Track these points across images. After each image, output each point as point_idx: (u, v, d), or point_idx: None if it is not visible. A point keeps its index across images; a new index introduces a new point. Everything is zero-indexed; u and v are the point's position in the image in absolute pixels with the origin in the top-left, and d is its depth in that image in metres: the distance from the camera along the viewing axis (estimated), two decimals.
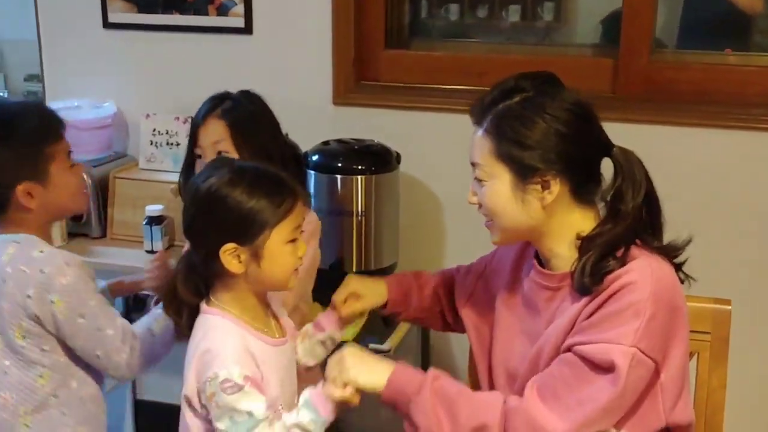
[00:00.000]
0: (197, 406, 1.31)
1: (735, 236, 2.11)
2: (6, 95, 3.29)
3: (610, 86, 2.15)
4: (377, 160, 2.07)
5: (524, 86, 1.29)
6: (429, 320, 1.66)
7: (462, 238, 2.30)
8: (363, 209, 2.04)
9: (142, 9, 2.43)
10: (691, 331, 1.41)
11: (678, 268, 1.32)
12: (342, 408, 1.30)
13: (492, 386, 1.43)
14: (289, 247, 1.32)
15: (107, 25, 2.48)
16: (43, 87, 2.63)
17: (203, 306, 1.35)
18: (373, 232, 2.06)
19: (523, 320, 1.39)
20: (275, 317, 1.43)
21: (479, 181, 1.32)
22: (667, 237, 1.37)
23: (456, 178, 2.26)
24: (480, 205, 1.35)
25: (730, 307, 1.44)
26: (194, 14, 2.38)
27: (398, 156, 2.12)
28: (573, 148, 1.26)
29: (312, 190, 2.06)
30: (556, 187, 1.26)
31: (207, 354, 1.29)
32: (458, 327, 1.63)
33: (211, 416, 1.28)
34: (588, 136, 1.29)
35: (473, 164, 1.33)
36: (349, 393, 1.28)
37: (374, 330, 2.04)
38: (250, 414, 1.24)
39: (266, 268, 1.30)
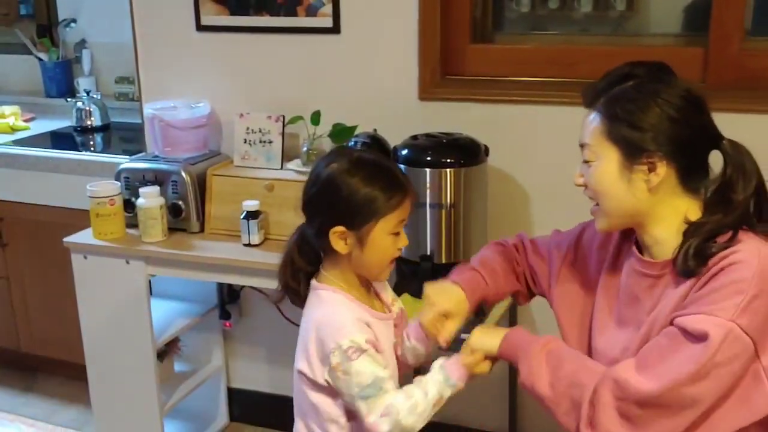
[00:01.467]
0: (320, 379, 1.39)
1: None
2: (99, 97, 3.44)
3: (700, 75, 2.13)
4: (466, 153, 2.11)
5: (638, 73, 1.34)
6: (513, 297, 1.75)
7: (550, 230, 2.31)
8: (452, 202, 2.08)
9: (234, 11, 2.51)
10: None
11: None
12: (473, 376, 1.44)
13: None
14: (391, 239, 1.41)
15: (200, 27, 2.57)
16: (139, 89, 2.74)
17: (314, 282, 1.46)
18: (462, 224, 2.10)
19: (624, 311, 1.42)
20: (377, 295, 1.53)
21: (587, 162, 1.36)
22: None
23: (544, 170, 2.29)
24: (586, 187, 1.39)
25: None
26: (284, 15, 2.45)
27: (487, 149, 2.16)
28: (682, 134, 1.30)
29: None
30: (663, 169, 1.30)
31: (324, 327, 1.38)
32: (538, 291, 1.68)
33: (336, 387, 1.37)
34: (698, 124, 1.32)
35: (582, 145, 1.38)
36: (475, 357, 1.43)
37: None
38: (376, 375, 1.34)
39: (368, 253, 1.40)
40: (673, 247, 1.32)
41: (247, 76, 2.57)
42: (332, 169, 1.40)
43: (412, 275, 2.17)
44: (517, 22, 2.56)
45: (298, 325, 1.49)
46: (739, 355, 1.22)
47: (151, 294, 2.81)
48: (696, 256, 1.27)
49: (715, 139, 1.34)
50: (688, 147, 1.31)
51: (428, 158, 2.09)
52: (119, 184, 2.43)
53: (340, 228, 1.39)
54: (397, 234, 1.42)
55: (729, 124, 2.10)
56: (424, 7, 2.29)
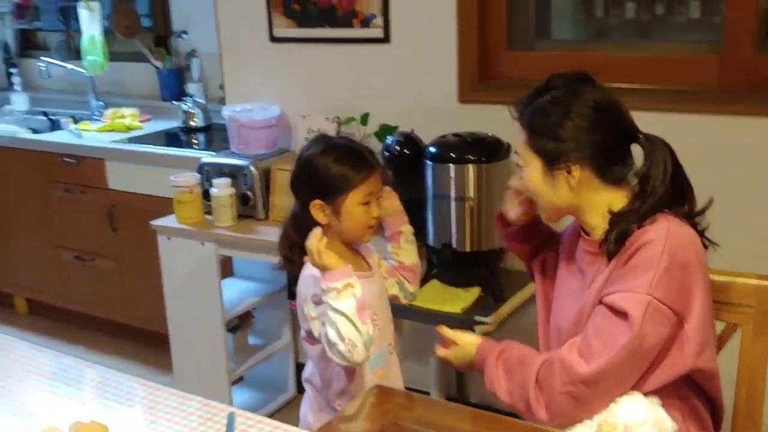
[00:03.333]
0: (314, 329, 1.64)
1: None
2: (203, 101, 3.84)
3: (715, 80, 2.23)
4: (488, 150, 2.30)
5: (556, 84, 1.52)
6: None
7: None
8: (474, 195, 2.28)
9: (301, 24, 2.82)
10: (736, 305, 1.55)
11: (701, 234, 1.49)
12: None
13: (547, 342, 1.65)
14: (363, 208, 1.66)
15: (273, 39, 2.90)
16: (224, 93, 3.10)
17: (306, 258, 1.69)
18: (484, 215, 2.29)
19: (575, 283, 1.60)
20: (364, 259, 1.78)
21: (520, 167, 1.57)
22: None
23: None
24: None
25: None
26: (342, 27, 2.74)
27: (509, 146, 2.34)
28: (596, 140, 1.47)
29: (430, 179, 2.33)
30: (578, 172, 1.48)
31: (311, 279, 1.65)
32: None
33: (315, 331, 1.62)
34: (610, 129, 1.49)
35: (515, 153, 1.58)
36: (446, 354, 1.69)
37: (483, 304, 2.28)
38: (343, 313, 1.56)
39: (344, 221, 1.67)
40: (603, 230, 1.50)
41: (311, 82, 2.87)
42: (310, 153, 1.68)
43: (439, 263, 2.39)
44: (621, 28, 2.67)
45: None
46: (663, 324, 1.39)
47: (233, 274, 3.18)
48: (616, 240, 1.45)
49: (632, 135, 1.50)
50: (600, 149, 1.48)
51: (453, 155, 2.30)
52: (199, 176, 2.79)
53: (319, 201, 1.65)
54: (367, 204, 1.67)
55: (742, 127, 2.18)
56: (461, 17, 2.51)
